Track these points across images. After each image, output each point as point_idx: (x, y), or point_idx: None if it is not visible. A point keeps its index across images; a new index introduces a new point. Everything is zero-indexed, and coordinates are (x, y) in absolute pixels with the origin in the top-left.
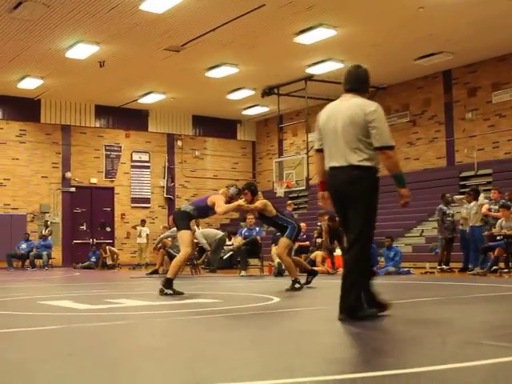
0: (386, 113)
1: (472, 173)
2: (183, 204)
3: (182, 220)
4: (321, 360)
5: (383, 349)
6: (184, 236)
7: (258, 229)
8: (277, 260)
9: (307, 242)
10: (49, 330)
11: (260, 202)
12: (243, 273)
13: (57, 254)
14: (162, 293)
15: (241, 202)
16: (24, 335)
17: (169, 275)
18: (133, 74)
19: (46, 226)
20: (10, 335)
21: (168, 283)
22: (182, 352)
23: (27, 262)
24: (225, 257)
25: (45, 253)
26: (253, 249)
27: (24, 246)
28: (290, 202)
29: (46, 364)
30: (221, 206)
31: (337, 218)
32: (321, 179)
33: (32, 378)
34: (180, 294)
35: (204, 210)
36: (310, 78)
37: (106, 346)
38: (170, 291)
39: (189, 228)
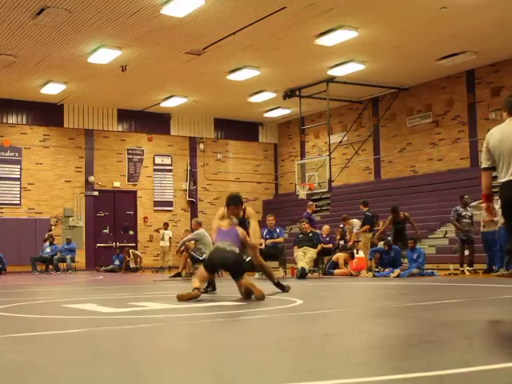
0: (408, 114)
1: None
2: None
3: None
4: (346, 363)
5: (409, 351)
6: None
7: (278, 230)
8: (300, 263)
9: (330, 245)
10: (73, 334)
11: (255, 216)
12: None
13: (80, 257)
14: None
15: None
16: (49, 338)
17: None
18: (155, 77)
19: (49, 230)
20: (35, 338)
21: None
22: (206, 355)
23: (51, 266)
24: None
25: (68, 256)
26: (272, 252)
27: (48, 249)
28: (310, 203)
29: (70, 367)
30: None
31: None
32: (487, 192)
33: (57, 380)
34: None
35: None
36: (331, 79)
37: (130, 348)
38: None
39: None
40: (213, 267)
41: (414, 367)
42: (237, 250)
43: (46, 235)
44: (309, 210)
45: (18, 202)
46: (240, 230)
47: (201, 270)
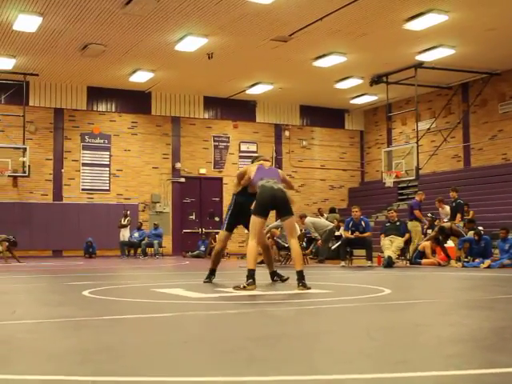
0: (500, 100)
1: None
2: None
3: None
4: (437, 354)
5: (503, 344)
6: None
7: (363, 223)
8: (387, 251)
9: None
10: (163, 317)
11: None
12: (343, 263)
13: (167, 242)
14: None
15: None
16: (139, 321)
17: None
18: (240, 65)
19: (125, 216)
20: (126, 321)
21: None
22: (295, 341)
23: (139, 251)
24: (333, 247)
25: (156, 241)
26: (359, 241)
27: (136, 234)
28: (420, 192)
29: (162, 349)
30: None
31: None
32: None
33: (150, 362)
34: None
35: None
36: (419, 65)
37: (219, 333)
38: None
39: None
40: (265, 208)
41: (510, 362)
42: (282, 186)
43: (127, 220)
44: (417, 198)
45: (108, 187)
46: (280, 171)
47: (250, 246)
